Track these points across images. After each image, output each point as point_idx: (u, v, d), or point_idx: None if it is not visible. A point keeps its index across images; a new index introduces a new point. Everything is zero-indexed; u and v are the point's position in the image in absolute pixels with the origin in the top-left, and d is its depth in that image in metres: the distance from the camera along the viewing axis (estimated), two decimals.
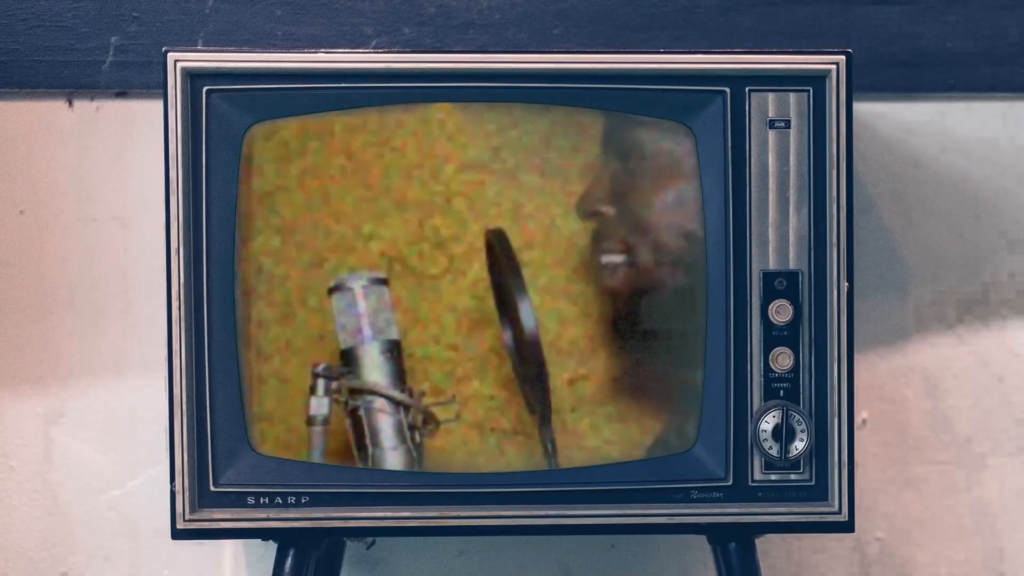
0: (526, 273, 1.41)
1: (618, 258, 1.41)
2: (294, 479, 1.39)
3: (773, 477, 1.40)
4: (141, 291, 1.63)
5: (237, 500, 1.39)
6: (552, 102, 1.40)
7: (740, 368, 1.40)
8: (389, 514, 1.39)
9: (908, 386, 1.68)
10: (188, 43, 1.61)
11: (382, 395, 1.42)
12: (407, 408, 1.42)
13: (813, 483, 1.40)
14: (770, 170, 1.39)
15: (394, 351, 1.42)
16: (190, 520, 1.38)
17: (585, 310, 1.42)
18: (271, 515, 1.39)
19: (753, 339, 1.40)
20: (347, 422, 1.42)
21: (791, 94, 1.39)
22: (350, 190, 1.41)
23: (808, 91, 1.39)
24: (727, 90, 1.38)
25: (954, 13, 1.64)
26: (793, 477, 1.40)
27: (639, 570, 1.68)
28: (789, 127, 1.39)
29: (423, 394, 1.42)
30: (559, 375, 1.42)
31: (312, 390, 1.42)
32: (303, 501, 1.39)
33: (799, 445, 1.39)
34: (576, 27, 1.63)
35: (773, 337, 1.39)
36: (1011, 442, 1.69)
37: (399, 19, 1.62)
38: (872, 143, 1.66)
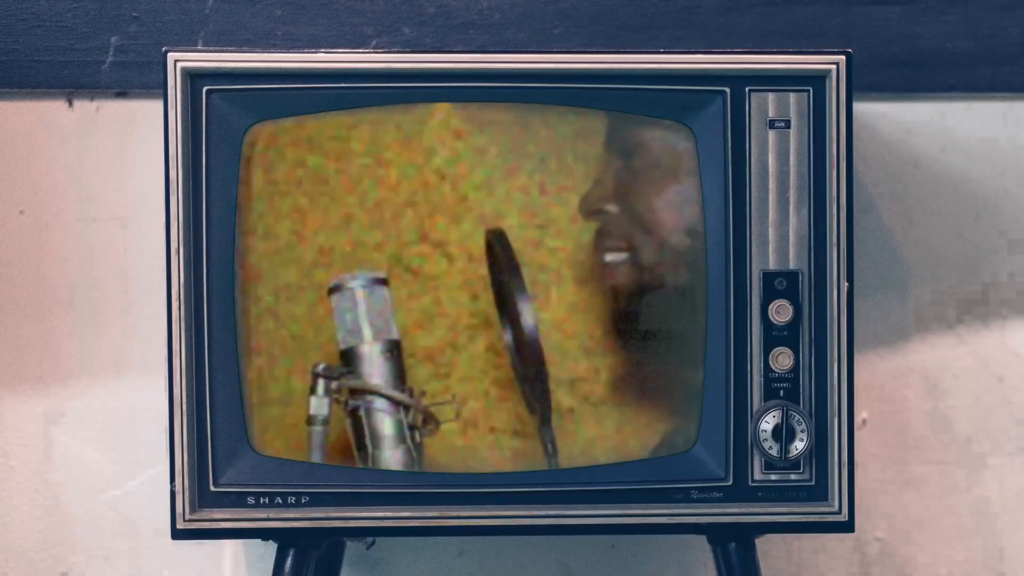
0: (526, 273, 1.41)
1: (620, 257, 1.41)
2: (294, 479, 1.39)
3: (773, 477, 1.40)
4: (141, 291, 1.63)
5: (237, 500, 1.39)
6: (552, 102, 1.40)
7: (740, 368, 1.39)
8: (389, 514, 1.39)
9: (908, 386, 1.68)
10: (188, 43, 1.61)
11: (382, 395, 1.42)
12: (407, 408, 1.42)
13: (813, 483, 1.40)
14: (770, 170, 1.39)
15: (394, 351, 1.42)
16: (190, 520, 1.38)
17: (585, 310, 1.42)
18: (271, 515, 1.39)
19: (753, 339, 1.40)
20: (347, 422, 1.42)
21: (791, 94, 1.39)
22: (350, 190, 1.41)
23: (808, 91, 1.39)
24: (727, 90, 1.38)
25: (954, 13, 1.64)
26: (793, 477, 1.40)
27: (639, 570, 1.68)
28: (789, 127, 1.39)
29: (423, 394, 1.42)
30: (559, 375, 1.42)
31: (312, 390, 1.42)
32: (303, 501, 1.39)
33: (799, 445, 1.39)
34: (576, 27, 1.63)
35: (773, 337, 1.39)
36: (1011, 442, 1.69)
37: (399, 19, 1.62)
38: (872, 143, 1.66)
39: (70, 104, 1.63)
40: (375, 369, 1.42)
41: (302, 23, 1.62)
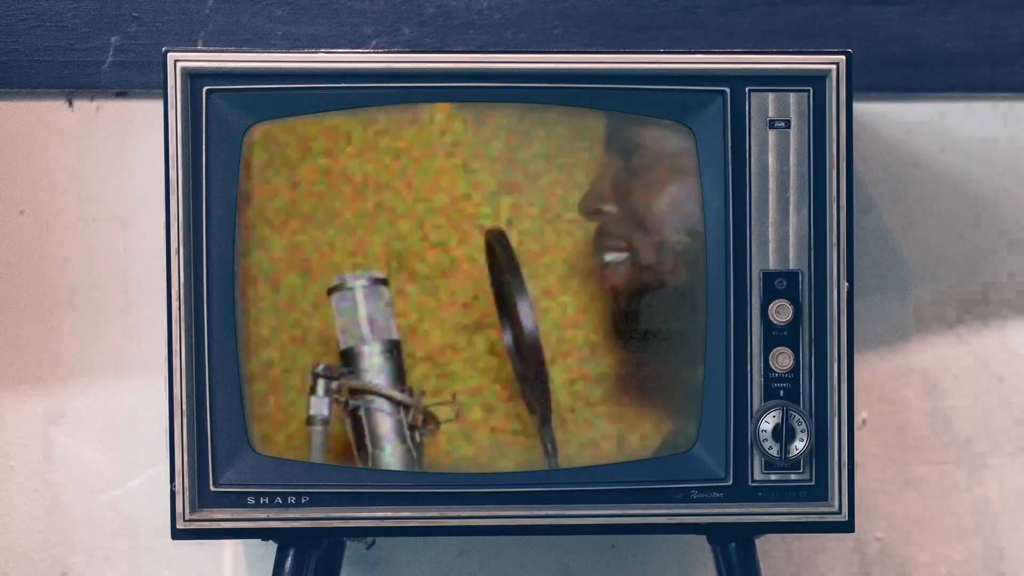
0: (526, 273, 1.41)
1: (619, 257, 1.41)
2: (294, 479, 1.39)
3: (773, 477, 1.40)
4: (141, 291, 1.63)
5: (237, 500, 1.39)
6: (552, 102, 1.40)
7: (740, 368, 1.39)
8: (389, 514, 1.39)
9: (908, 386, 1.68)
10: (188, 43, 1.61)
11: (382, 395, 1.42)
12: (407, 408, 1.42)
13: (813, 483, 1.40)
14: (770, 170, 1.39)
15: (394, 351, 1.42)
16: (190, 520, 1.38)
17: (585, 310, 1.42)
18: (271, 515, 1.39)
19: (753, 339, 1.40)
20: (347, 422, 1.42)
21: (791, 94, 1.39)
22: (350, 189, 1.41)
23: (808, 91, 1.39)
24: (727, 90, 1.38)
25: (954, 13, 1.64)
26: (793, 477, 1.40)
27: (639, 570, 1.68)
28: (789, 127, 1.39)
29: (423, 394, 1.42)
30: (559, 375, 1.42)
31: (312, 390, 1.42)
32: (303, 501, 1.39)
33: (799, 445, 1.39)
34: (576, 27, 1.63)
35: (773, 337, 1.39)
36: (1011, 442, 1.69)
37: (399, 19, 1.62)
38: (872, 143, 1.66)
39: (70, 104, 1.63)
40: (375, 369, 1.42)
41: (302, 23, 1.62)
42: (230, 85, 1.37)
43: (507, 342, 1.42)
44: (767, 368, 1.39)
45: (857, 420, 1.67)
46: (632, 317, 1.41)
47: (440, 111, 1.41)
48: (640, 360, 1.42)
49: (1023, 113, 1.68)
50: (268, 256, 1.40)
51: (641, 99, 1.39)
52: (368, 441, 1.42)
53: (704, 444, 1.40)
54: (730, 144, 1.39)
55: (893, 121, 1.66)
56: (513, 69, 1.38)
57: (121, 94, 1.63)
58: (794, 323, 1.39)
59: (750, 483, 1.40)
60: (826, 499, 1.40)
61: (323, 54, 1.38)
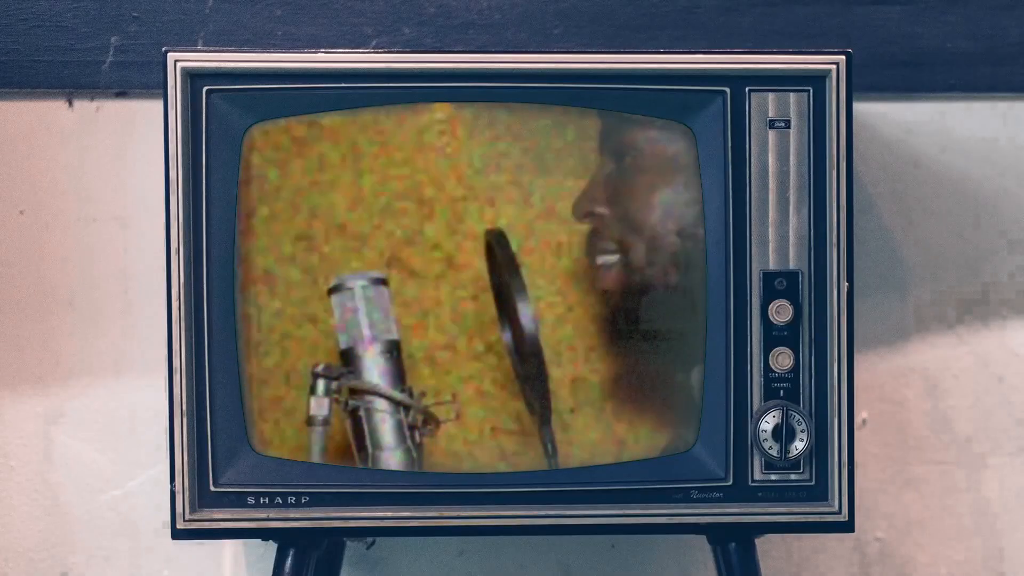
0: (526, 273, 1.41)
1: (611, 260, 1.41)
2: (294, 479, 1.39)
3: (773, 477, 1.40)
4: (141, 291, 1.63)
5: (237, 500, 1.39)
6: (552, 102, 1.40)
7: (740, 368, 1.39)
8: (389, 514, 1.39)
9: (908, 386, 1.68)
10: (188, 43, 1.61)
11: (382, 395, 1.42)
12: (407, 408, 1.42)
13: (813, 483, 1.40)
14: (770, 170, 1.39)
15: (394, 351, 1.42)
16: (190, 520, 1.38)
17: (585, 310, 1.42)
18: (271, 515, 1.39)
19: (753, 339, 1.40)
20: (347, 422, 1.42)
21: (791, 94, 1.39)
22: (350, 190, 1.41)
23: (808, 91, 1.39)
24: (727, 90, 1.38)
25: (954, 13, 1.64)
26: (793, 477, 1.40)
27: (639, 570, 1.68)
28: (789, 127, 1.39)
29: (423, 394, 1.42)
30: (559, 375, 1.42)
31: (312, 390, 1.42)
32: (303, 501, 1.39)
33: (799, 445, 1.39)
34: (576, 27, 1.63)
35: (773, 337, 1.39)
36: (1011, 442, 1.69)
37: (399, 19, 1.62)
38: (872, 143, 1.66)
39: (70, 104, 1.63)
40: (375, 369, 1.42)
41: (302, 23, 1.62)
42: (230, 85, 1.37)
43: (507, 342, 1.42)
44: (767, 368, 1.39)
45: (857, 420, 1.67)
46: (632, 317, 1.41)
47: (440, 111, 1.41)
48: (640, 360, 1.42)
49: (1023, 113, 1.68)
50: (268, 256, 1.40)
51: (641, 99, 1.39)
52: (368, 441, 1.42)
53: (704, 444, 1.40)
54: (730, 144, 1.39)
55: (893, 121, 1.66)
56: (513, 69, 1.38)
57: (121, 94, 1.63)
58: (794, 323, 1.39)
59: (750, 483, 1.40)
60: (826, 499, 1.40)
61: (323, 54, 1.38)
